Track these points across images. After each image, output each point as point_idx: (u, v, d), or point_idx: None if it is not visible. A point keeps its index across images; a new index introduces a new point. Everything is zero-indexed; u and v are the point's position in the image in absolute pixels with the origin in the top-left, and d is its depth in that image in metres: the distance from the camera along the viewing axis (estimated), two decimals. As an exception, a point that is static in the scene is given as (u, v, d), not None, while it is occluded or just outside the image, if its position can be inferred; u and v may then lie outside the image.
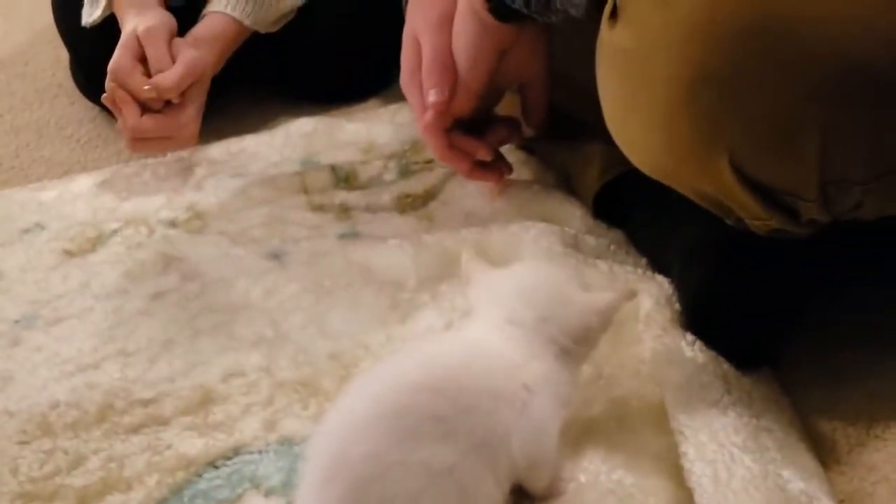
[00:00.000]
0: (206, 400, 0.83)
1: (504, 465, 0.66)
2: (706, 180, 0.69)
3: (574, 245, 0.94)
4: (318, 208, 1.08)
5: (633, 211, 0.96)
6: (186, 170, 1.17)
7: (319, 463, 0.65)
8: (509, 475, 0.67)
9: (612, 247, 0.94)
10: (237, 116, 1.28)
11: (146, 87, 1.11)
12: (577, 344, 0.70)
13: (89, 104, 1.35)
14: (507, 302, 0.71)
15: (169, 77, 1.12)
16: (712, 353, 0.77)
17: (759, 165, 0.66)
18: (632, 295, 0.72)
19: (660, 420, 0.74)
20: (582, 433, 0.75)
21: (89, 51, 1.27)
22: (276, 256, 1.00)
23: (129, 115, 1.11)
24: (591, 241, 0.95)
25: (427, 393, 0.65)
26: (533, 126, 0.99)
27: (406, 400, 0.65)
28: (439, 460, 0.63)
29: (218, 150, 1.20)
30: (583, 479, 0.71)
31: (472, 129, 0.94)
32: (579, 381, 0.72)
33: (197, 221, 1.08)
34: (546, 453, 0.68)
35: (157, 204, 1.11)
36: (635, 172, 0.80)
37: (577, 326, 0.69)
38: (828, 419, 0.76)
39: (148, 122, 1.12)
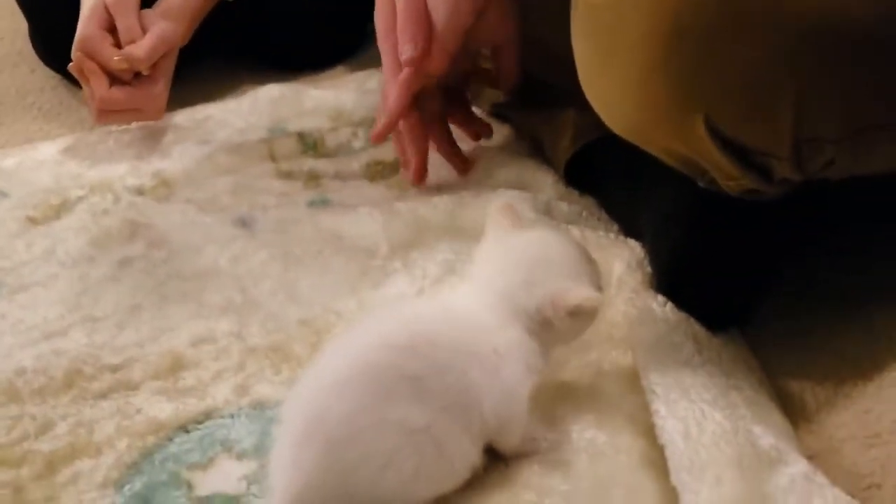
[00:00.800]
0: (176, 365, 0.83)
1: (477, 424, 0.67)
2: (680, 140, 0.70)
3: (546, 212, 0.95)
4: (287, 175, 1.08)
5: (605, 178, 0.97)
6: (152, 137, 1.17)
7: (294, 424, 0.65)
8: (482, 435, 0.68)
9: (584, 213, 0.96)
10: (203, 84, 1.28)
11: (117, 58, 1.10)
12: (540, 327, 0.70)
13: (51, 72, 1.34)
14: (499, 264, 0.72)
15: (141, 48, 1.11)
16: (683, 315, 0.79)
17: (734, 124, 0.67)
18: (596, 302, 0.69)
19: (631, 381, 0.76)
20: (555, 395, 0.76)
21: (48, 19, 1.27)
22: (244, 224, 1.01)
23: (98, 87, 1.10)
24: (563, 207, 0.96)
25: (402, 352, 0.66)
26: (505, 90, 1.00)
27: (381, 359, 0.66)
28: (415, 419, 0.64)
29: (184, 117, 1.19)
30: (555, 438, 0.73)
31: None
32: (551, 354, 0.73)
33: (163, 189, 1.08)
34: (516, 416, 0.69)
35: (123, 171, 1.11)
36: (607, 139, 0.81)
37: (537, 311, 0.69)
38: (797, 380, 0.78)
39: (118, 93, 1.11)
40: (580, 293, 0.69)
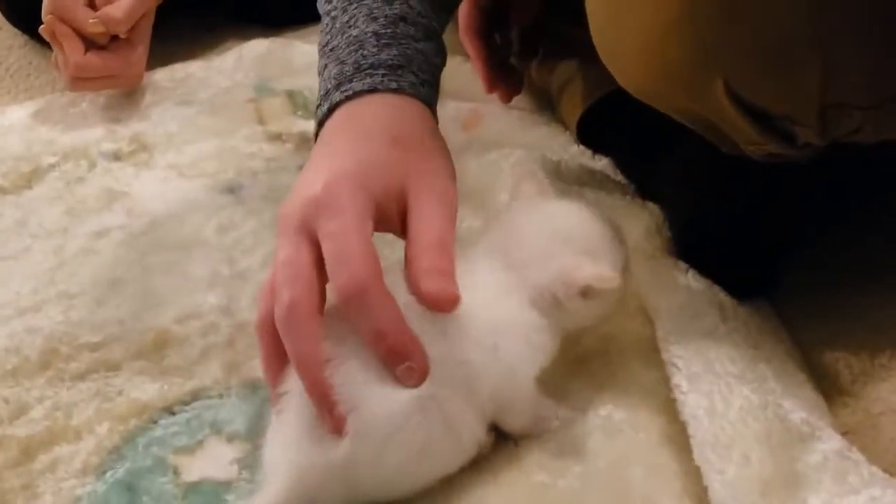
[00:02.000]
0: (160, 343, 0.83)
1: (479, 400, 0.67)
2: (699, 103, 0.69)
3: (557, 172, 0.94)
4: (276, 138, 1.08)
5: (619, 136, 0.96)
6: (129, 99, 1.16)
7: (299, 394, 0.65)
8: (485, 413, 0.68)
9: (598, 174, 0.95)
10: (183, 40, 1.26)
11: (92, 21, 1.08)
12: (551, 307, 0.69)
13: (17, 30, 1.32)
14: (513, 235, 0.71)
15: (119, 9, 1.09)
16: (706, 282, 0.78)
17: (756, 89, 0.66)
18: (610, 283, 0.67)
19: (650, 353, 0.75)
20: (568, 370, 0.75)
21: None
22: (231, 190, 1.00)
23: (73, 52, 1.08)
24: (574, 167, 0.96)
25: (408, 313, 0.65)
26: (520, 22, 1.00)
27: None
28: (423, 389, 0.64)
29: (163, 76, 1.18)
30: (568, 415, 0.72)
31: None
32: (559, 333, 0.71)
33: (142, 154, 1.07)
34: (519, 398, 0.69)
35: (98, 135, 1.10)
36: (622, 94, 0.80)
37: (547, 288, 0.68)
38: (829, 350, 0.78)
39: (94, 59, 1.10)
40: (592, 271, 0.67)
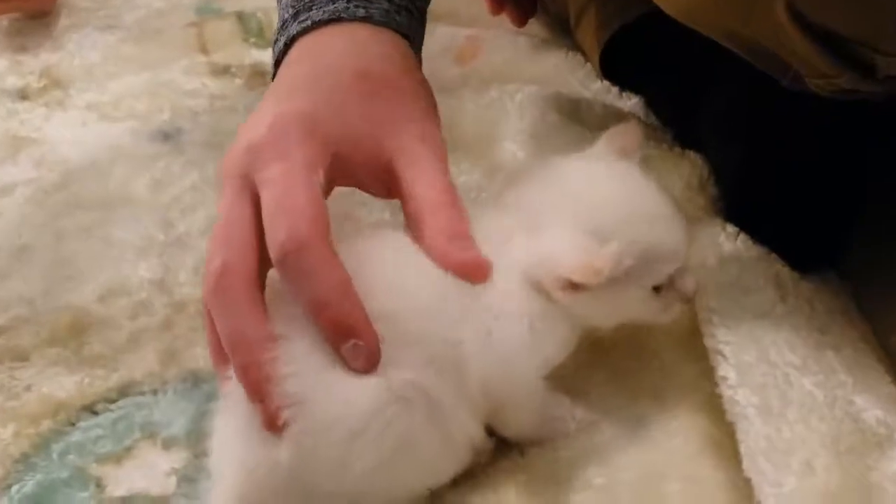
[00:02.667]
0: (79, 326, 0.83)
1: (472, 394, 0.66)
2: (754, 27, 0.69)
3: (575, 114, 0.94)
4: (223, 72, 1.08)
5: (653, 68, 0.96)
6: (39, 23, 1.15)
7: (242, 397, 0.64)
8: (480, 410, 0.68)
9: (627, 116, 0.94)
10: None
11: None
12: (537, 290, 0.67)
13: None
14: (522, 198, 0.70)
15: None
16: (761, 250, 0.78)
17: (826, 7, 0.66)
18: (598, 275, 0.63)
19: (689, 339, 0.75)
20: (586, 359, 0.75)
21: None
22: (166, 136, 1.00)
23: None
24: (597, 108, 0.95)
25: (373, 288, 0.65)
26: None
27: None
28: (397, 370, 0.63)
29: (81, -7, 1.18)
30: (588, 417, 0.72)
31: None
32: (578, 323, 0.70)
33: (56, 91, 1.07)
34: (518, 398, 0.69)
35: (1, 68, 1.10)
36: (654, 19, 0.80)
37: (531, 272, 0.67)
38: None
39: None
40: (575, 259, 0.64)
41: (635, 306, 0.69)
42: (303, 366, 0.63)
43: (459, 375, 0.65)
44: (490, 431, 0.70)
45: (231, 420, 0.65)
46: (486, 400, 0.67)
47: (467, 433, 0.67)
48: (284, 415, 0.62)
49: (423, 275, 0.67)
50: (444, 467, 0.67)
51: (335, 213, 0.66)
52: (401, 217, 0.71)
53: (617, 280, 0.65)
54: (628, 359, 0.76)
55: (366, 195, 0.73)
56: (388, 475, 0.65)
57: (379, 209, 0.75)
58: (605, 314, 0.69)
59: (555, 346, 0.69)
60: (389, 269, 0.67)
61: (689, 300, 0.70)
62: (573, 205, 0.67)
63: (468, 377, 0.66)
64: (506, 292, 0.67)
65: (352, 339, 0.62)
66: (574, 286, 0.65)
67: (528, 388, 0.69)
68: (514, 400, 0.69)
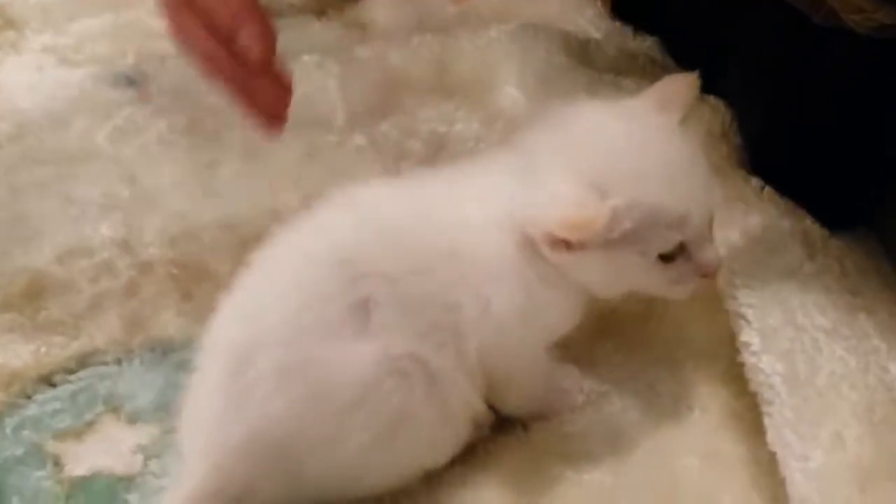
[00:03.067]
0: (35, 290, 0.83)
1: (472, 361, 0.67)
2: None
3: (584, 56, 0.94)
4: None
5: (668, 7, 0.96)
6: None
7: (218, 366, 0.65)
8: (479, 381, 0.68)
9: (641, 59, 0.95)
10: None
11: None
12: (534, 251, 0.66)
13: None
14: (529, 146, 0.69)
15: None
16: (788, 205, 0.79)
17: None
18: (584, 229, 0.62)
19: (709, 302, 0.75)
20: (595, 326, 0.76)
21: None
22: (130, 82, 0.99)
23: None
24: (609, 50, 0.95)
25: (365, 252, 0.65)
26: None
27: (338, 261, 0.65)
28: (393, 341, 0.64)
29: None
30: (597, 388, 0.73)
31: None
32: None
33: (9, 33, 1.07)
34: (516, 372, 0.69)
35: (-57, 7, 1.09)
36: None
37: (524, 227, 0.66)
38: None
39: None
40: (560, 211, 0.63)
41: (638, 276, 0.67)
42: (296, 332, 0.63)
43: (459, 344, 0.66)
44: (491, 405, 0.70)
45: (205, 394, 0.65)
46: (484, 371, 0.67)
47: (468, 407, 0.67)
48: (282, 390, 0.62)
49: (418, 233, 0.67)
50: (443, 446, 0.68)
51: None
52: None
53: (613, 243, 0.64)
54: (640, 324, 0.76)
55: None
56: (383, 453, 0.65)
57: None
58: (604, 282, 0.68)
59: (557, 314, 0.69)
60: (384, 227, 0.67)
61: (707, 275, 0.68)
62: (575, 153, 0.66)
63: (467, 345, 0.66)
64: (502, 253, 0.67)
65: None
66: (565, 244, 0.64)
67: (527, 359, 0.69)
68: (513, 372, 0.69)
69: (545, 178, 0.65)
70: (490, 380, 0.68)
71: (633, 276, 0.67)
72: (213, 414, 0.64)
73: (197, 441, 0.65)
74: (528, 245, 0.66)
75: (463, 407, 0.67)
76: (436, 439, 0.67)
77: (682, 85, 0.71)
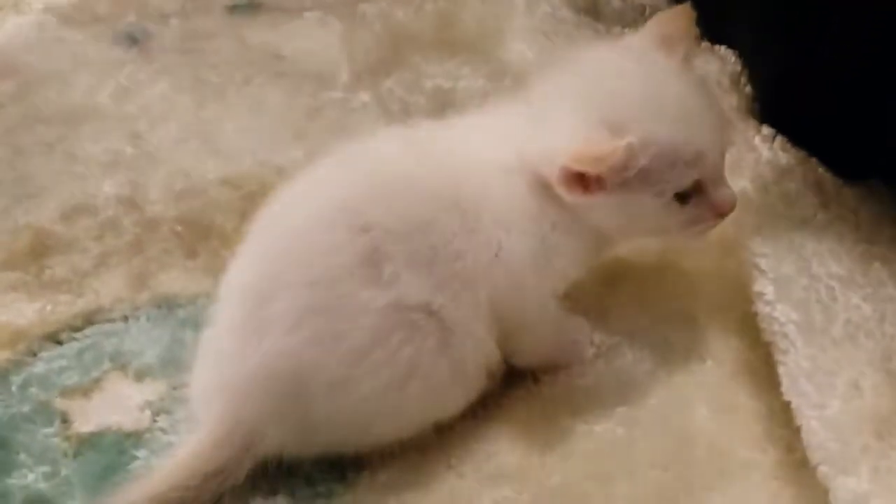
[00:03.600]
0: (39, 248, 0.82)
1: (486, 309, 0.66)
2: None
3: (591, 9, 0.94)
4: None
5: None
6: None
7: (233, 312, 0.65)
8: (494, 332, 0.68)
9: (648, 10, 0.94)
10: None
11: None
12: (548, 195, 0.66)
13: None
14: (539, 92, 0.69)
15: None
16: (800, 154, 0.78)
17: None
18: (600, 162, 0.62)
19: (721, 253, 0.75)
20: (606, 277, 0.75)
21: None
22: (133, 40, 1.00)
23: None
24: (615, 3, 0.96)
25: (377, 204, 0.65)
26: None
27: (353, 212, 0.64)
28: (408, 291, 0.64)
29: None
30: (609, 340, 0.72)
31: None
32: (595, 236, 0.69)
33: (9, -8, 1.06)
34: (528, 320, 0.69)
35: (-56, -33, 1.08)
36: None
37: (538, 168, 0.66)
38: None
39: None
40: (584, 144, 0.63)
41: (655, 219, 0.67)
42: (310, 276, 0.63)
43: (473, 292, 0.65)
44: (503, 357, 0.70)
45: (217, 344, 0.65)
46: (496, 318, 0.67)
47: (482, 358, 0.67)
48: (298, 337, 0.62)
49: (422, 185, 0.67)
50: (455, 398, 0.67)
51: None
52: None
53: (630, 185, 0.64)
54: (652, 276, 0.76)
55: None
56: (393, 401, 0.65)
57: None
58: (620, 224, 0.68)
59: (567, 259, 0.68)
60: (387, 180, 0.67)
61: (723, 214, 0.67)
62: (588, 94, 0.66)
63: (479, 293, 0.66)
64: (512, 199, 0.67)
65: None
66: (582, 186, 0.63)
67: (538, 306, 0.68)
68: (524, 320, 0.68)
69: (559, 119, 0.65)
70: (502, 329, 0.68)
71: (650, 218, 0.66)
72: (228, 353, 0.64)
73: (212, 381, 0.65)
74: (542, 189, 0.66)
75: (476, 362, 0.66)
76: (447, 391, 0.66)
77: (679, 19, 0.70)
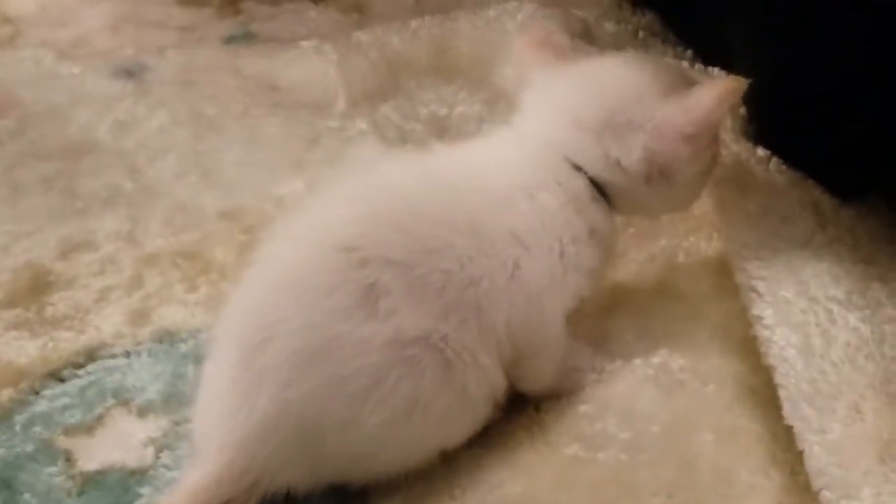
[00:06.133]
0: (40, 285, 0.82)
1: (495, 336, 0.66)
2: None
3: (584, 34, 0.94)
4: (191, 0, 1.08)
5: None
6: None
7: (233, 350, 0.64)
8: (505, 356, 0.67)
9: (642, 34, 0.94)
10: None
11: None
12: (611, 182, 0.70)
13: None
14: (548, 105, 0.72)
15: None
16: (796, 175, 0.78)
17: None
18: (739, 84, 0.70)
19: (720, 277, 0.75)
20: (609, 303, 0.75)
21: None
22: (130, 73, 1.00)
23: None
24: (609, 27, 0.95)
25: (380, 232, 0.65)
26: None
27: (353, 245, 0.64)
28: (408, 325, 0.63)
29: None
30: (609, 366, 0.72)
31: None
32: (613, 245, 0.72)
33: (6, 28, 1.07)
34: (544, 341, 0.69)
35: (-58, 4, 1.09)
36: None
37: (623, 156, 0.69)
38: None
39: None
40: (695, 96, 0.69)
41: (710, 165, 0.73)
42: (308, 320, 0.63)
43: (480, 319, 0.65)
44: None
45: (221, 378, 0.65)
46: (510, 348, 0.67)
47: (489, 386, 0.67)
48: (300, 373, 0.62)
49: (431, 211, 0.67)
50: (460, 426, 0.67)
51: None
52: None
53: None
54: (652, 299, 0.76)
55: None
56: (399, 434, 0.64)
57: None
58: (690, 186, 0.73)
59: (583, 273, 0.69)
60: (390, 210, 0.66)
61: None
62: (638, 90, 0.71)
63: (493, 319, 0.66)
64: (536, 213, 0.68)
65: None
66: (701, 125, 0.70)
67: (553, 327, 0.69)
68: (538, 342, 0.68)
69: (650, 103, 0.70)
70: (512, 354, 0.67)
71: (708, 169, 0.73)
72: (229, 401, 0.64)
73: (212, 429, 0.64)
74: (571, 202, 0.69)
75: (483, 387, 0.66)
76: (452, 421, 0.66)
77: (546, 42, 0.76)
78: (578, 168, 0.70)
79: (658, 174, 0.70)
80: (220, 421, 0.64)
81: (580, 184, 0.69)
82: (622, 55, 0.75)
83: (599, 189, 0.70)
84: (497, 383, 0.67)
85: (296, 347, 0.62)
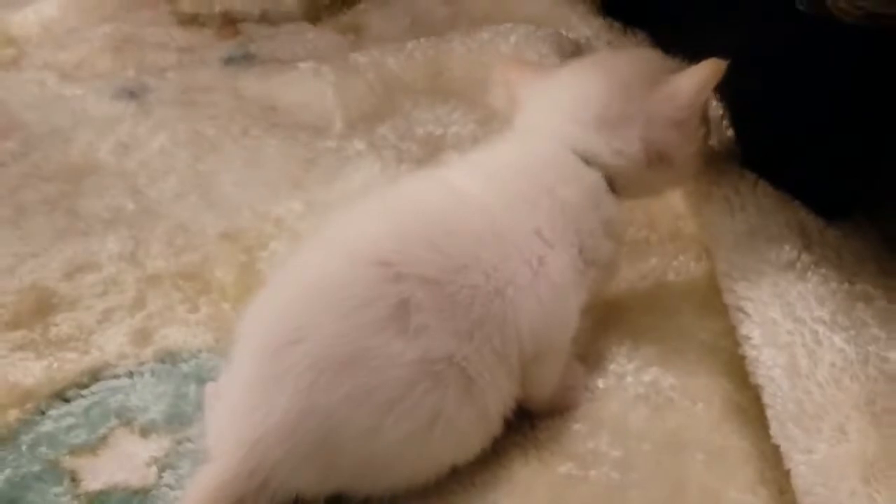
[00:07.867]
0: (45, 307, 0.82)
1: (515, 350, 0.67)
2: None
3: (576, 54, 0.94)
4: (191, 21, 1.09)
5: (658, 5, 0.96)
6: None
7: (249, 361, 0.65)
8: (520, 367, 0.68)
9: (632, 54, 0.94)
10: None
11: None
12: (623, 167, 0.72)
13: None
14: (566, 103, 0.74)
15: None
16: (782, 196, 0.78)
17: None
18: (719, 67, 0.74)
19: (707, 296, 0.76)
20: (599, 322, 0.75)
21: None
22: (131, 95, 1.00)
23: None
24: (600, 46, 0.96)
25: (406, 249, 0.65)
26: None
27: (380, 261, 0.65)
28: (435, 345, 0.64)
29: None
30: (601, 384, 0.72)
31: None
32: (623, 234, 0.74)
33: (9, 50, 1.07)
34: (562, 336, 0.69)
35: (-54, 26, 1.09)
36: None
37: (652, 127, 0.72)
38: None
39: None
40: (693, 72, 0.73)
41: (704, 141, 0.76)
42: (339, 329, 0.63)
43: (502, 335, 0.66)
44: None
45: (239, 381, 0.65)
46: (531, 346, 0.67)
47: (503, 405, 0.67)
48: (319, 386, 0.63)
49: (455, 223, 0.68)
50: (476, 441, 0.68)
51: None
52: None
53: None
54: (640, 319, 0.76)
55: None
56: (418, 448, 0.65)
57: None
58: (691, 160, 0.75)
59: (599, 266, 0.71)
60: (421, 226, 0.68)
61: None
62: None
63: (517, 325, 0.66)
64: (560, 211, 0.70)
65: None
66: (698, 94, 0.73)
67: (573, 322, 0.70)
68: (557, 338, 0.69)
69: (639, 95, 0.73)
70: (525, 365, 0.68)
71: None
72: (247, 400, 0.64)
73: (228, 425, 0.65)
74: (593, 193, 0.71)
75: (499, 405, 0.67)
76: (469, 437, 0.67)
77: (517, 67, 0.79)
78: (589, 162, 0.72)
79: (658, 159, 0.72)
80: (238, 417, 0.64)
81: (595, 176, 0.72)
82: (602, 52, 0.79)
83: (608, 180, 0.72)
84: (509, 401, 0.68)
85: (324, 354, 0.63)
